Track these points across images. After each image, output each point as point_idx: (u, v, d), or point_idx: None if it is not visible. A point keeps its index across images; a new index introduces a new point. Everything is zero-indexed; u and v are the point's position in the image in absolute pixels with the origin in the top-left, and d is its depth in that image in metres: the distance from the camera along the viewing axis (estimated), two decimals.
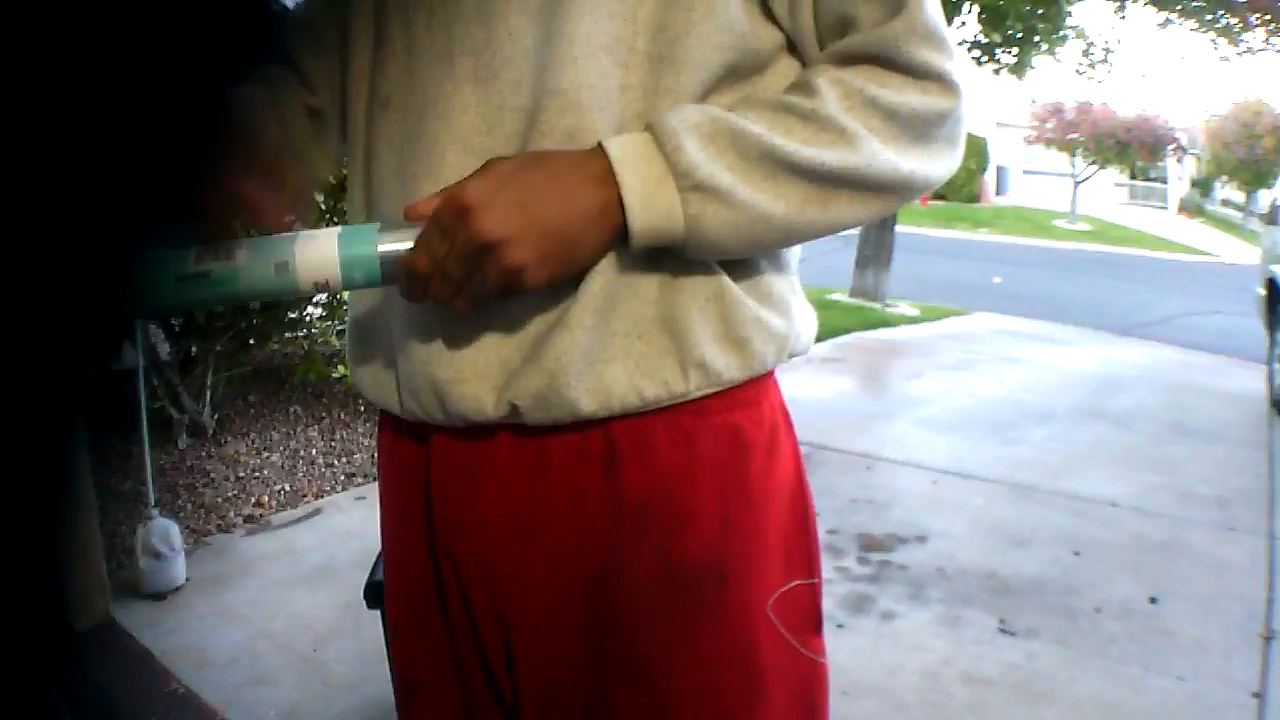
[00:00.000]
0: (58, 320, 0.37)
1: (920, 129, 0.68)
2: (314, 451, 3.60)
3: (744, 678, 0.74)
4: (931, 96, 0.67)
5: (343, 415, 4.00)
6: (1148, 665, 2.30)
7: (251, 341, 3.73)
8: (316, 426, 3.86)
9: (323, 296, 3.70)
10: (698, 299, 0.69)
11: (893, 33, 0.66)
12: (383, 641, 1.61)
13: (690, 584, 0.72)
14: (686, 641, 0.73)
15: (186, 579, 2.51)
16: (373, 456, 3.58)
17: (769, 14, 0.69)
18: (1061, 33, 8.48)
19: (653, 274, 0.68)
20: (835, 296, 8.07)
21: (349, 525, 2.97)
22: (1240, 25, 9.99)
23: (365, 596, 1.55)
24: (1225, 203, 31.65)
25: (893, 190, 0.68)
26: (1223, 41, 10.24)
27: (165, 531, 2.45)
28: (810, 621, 0.79)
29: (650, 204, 0.63)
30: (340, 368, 3.75)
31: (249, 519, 3.00)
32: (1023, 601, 2.62)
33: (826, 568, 2.77)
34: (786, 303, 0.75)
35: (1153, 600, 2.64)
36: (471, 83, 0.67)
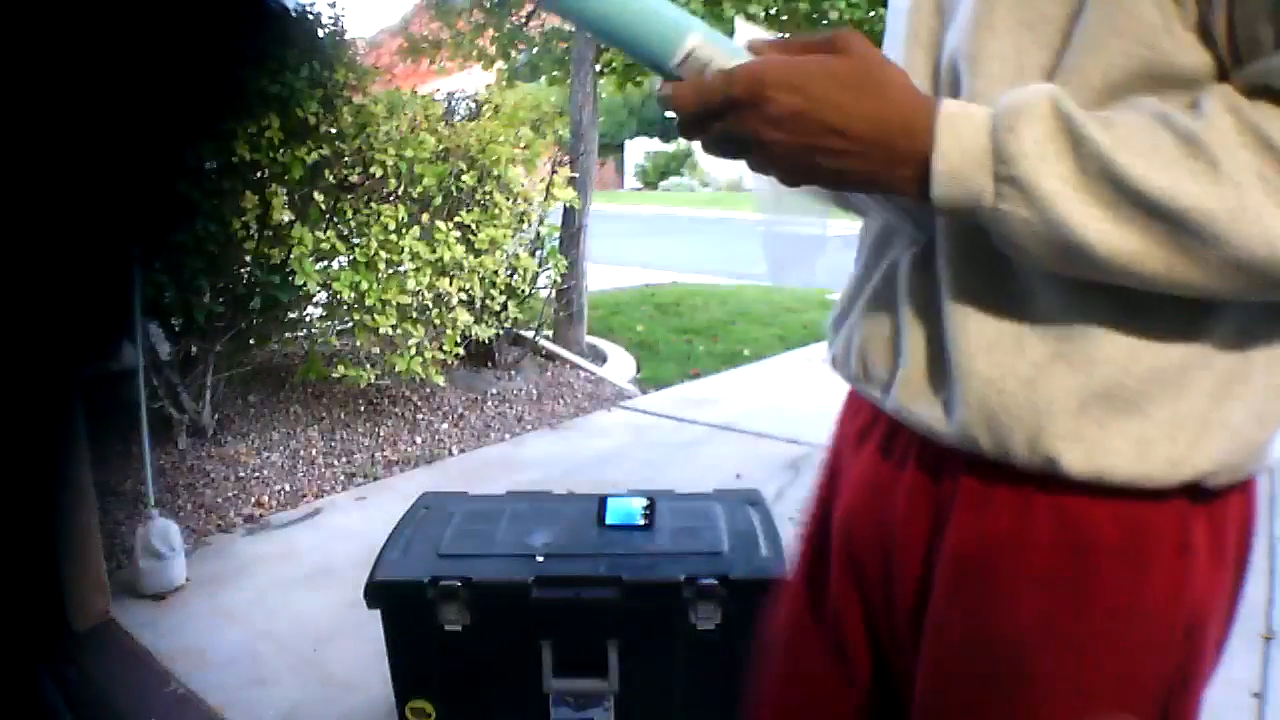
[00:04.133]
0: (58, 321, 0.36)
1: None
2: (314, 451, 3.60)
3: None
4: None
5: (343, 415, 3.99)
6: None
7: (251, 341, 3.73)
8: (316, 426, 3.85)
9: (322, 296, 3.70)
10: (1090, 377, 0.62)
11: None
12: (383, 641, 1.62)
13: (991, 661, 0.68)
14: None
15: (186, 579, 2.51)
16: (373, 456, 3.58)
17: (1203, 32, 0.57)
18: None
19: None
20: (835, 296, 8.05)
21: (349, 525, 2.97)
22: None
23: (365, 596, 1.55)
24: None
25: (1259, 268, 0.53)
26: None
27: (165, 531, 2.45)
28: None
29: (955, 172, 0.57)
30: (340, 367, 3.75)
31: (249, 519, 3.00)
32: None
33: None
34: (1190, 421, 0.62)
35: None
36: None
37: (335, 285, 3.55)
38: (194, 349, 3.45)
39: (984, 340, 0.64)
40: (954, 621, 0.69)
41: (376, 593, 1.55)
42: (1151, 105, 0.57)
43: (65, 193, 0.35)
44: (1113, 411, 0.61)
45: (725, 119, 0.60)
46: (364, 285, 3.58)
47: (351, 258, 3.66)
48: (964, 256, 0.65)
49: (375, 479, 3.40)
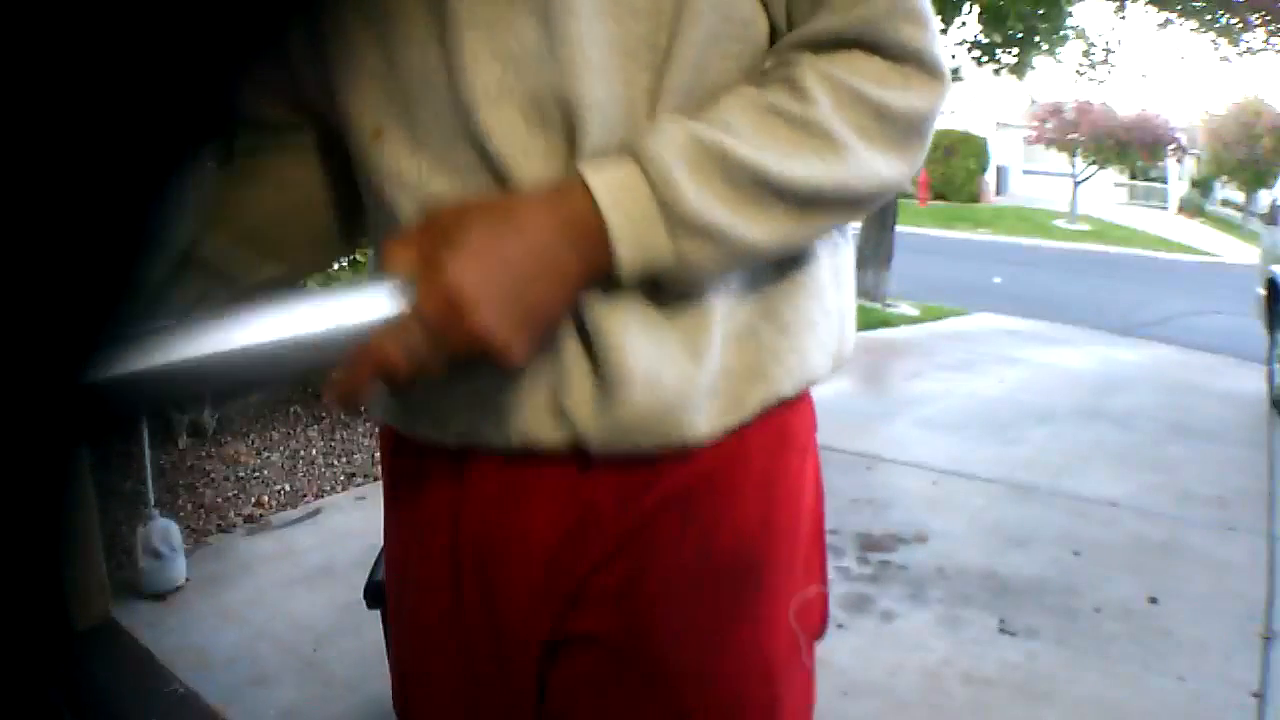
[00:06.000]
0: (59, 322, 0.37)
1: (904, 128, 0.63)
2: (314, 451, 3.60)
3: (767, 688, 0.72)
4: (915, 89, 0.63)
5: (343, 415, 4.00)
6: (1148, 665, 2.30)
7: None
8: (316, 426, 3.86)
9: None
10: (755, 318, 0.68)
11: (873, 13, 0.61)
12: (383, 642, 1.62)
13: (728, 584, 0.70)
14: (719, 648, 0.70)
15: (186, 579, 2.51)
16: (373, 456, 3.58)
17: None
18: (1062, 33, 8.48)
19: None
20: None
21: (349, 525, 2.97)
22: (1240, 25, 9.99)
23: (365, 596, 1.55)
24: (1225, 203, 31.60)
25: (872, 200, 0.65)
26: (1223, 41, 10.24)
27: (165, 531, 2.45)
28: (818, 629, 0.77)
29: (640, 246, 0.58)
30: None
31: (249, 519, 3.00)
32: (1023, 601, 2.62)
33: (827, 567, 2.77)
34: (834, 314, 0.73)
35: (1153, 600, 2.64)
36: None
37: (335, 285, 3.55)
38: None
39: (657, 354, 0.63)
40: (680, 548, 0.68)
41: (376, 593, 1.55)
42: (751, 97, 0.61)
43: (66, 194, 0.35)
44: (793, 332, 0.69)
45: (443, 339, 0.56)
46: None
47: (352, 257, 3.66)
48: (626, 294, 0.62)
49: (375, 479, 3.40)
